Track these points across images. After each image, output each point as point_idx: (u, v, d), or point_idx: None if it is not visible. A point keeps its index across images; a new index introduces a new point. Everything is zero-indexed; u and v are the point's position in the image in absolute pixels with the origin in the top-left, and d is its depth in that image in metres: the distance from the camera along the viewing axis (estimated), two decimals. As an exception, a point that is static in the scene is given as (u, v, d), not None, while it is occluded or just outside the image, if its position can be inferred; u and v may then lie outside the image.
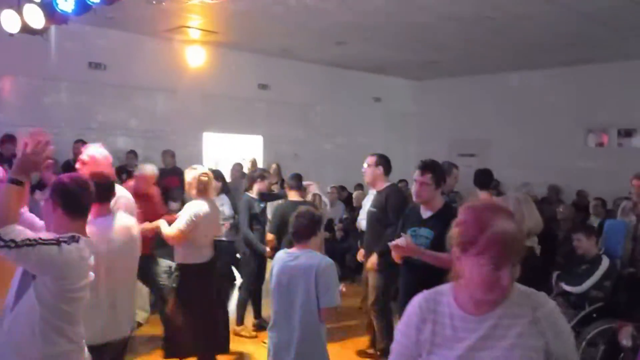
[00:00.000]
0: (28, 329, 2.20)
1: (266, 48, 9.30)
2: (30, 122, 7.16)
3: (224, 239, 5.86)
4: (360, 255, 5.09)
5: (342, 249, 7.91)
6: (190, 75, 8.95)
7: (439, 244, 3.15)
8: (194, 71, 8.96)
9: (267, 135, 10.33)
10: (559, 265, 5.67)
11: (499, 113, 11.16)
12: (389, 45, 8.93)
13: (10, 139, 6.59)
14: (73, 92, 8.03)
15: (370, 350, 5.08)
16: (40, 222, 2.65)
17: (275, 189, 8.34)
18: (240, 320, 5.69)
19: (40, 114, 7.51)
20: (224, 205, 6.03)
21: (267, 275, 5.32)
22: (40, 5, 4.71)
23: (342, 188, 9.56)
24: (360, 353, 5.13)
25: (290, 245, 3.37)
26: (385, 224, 4.52)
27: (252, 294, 5.82)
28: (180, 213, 4.40)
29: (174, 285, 4.44)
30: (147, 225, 4.37)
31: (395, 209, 4.43)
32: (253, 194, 5.76)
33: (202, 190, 4.39)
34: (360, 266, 5.23)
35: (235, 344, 5.35)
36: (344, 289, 3.28)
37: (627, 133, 10.07)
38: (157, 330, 4.91)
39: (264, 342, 4.45)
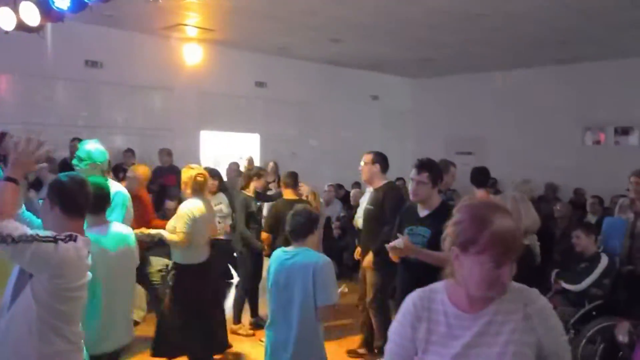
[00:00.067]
0: (25, 328, 2.18)
1: (263, 46, 9.29)
2: (26, 120, 7.16)
3: (221, 237, 5.85)
4: (358, 253, 5.09)
5: (339, 247, 7.91)
6: (188, 73, 8.94)
7: (436, 242, 3.11)
8: (191, 69, 8.94)
9: (264, 134, 10.32)
10: (556, 263, 5.68)
11: (496, 111, 11.17)
12: (386, 43, 8.92)
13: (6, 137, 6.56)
14: (69, 90, 8.01)
15: (362, 350, 5.07)
16: (37, 221, 2.63)
17: (273, 187, 8.34)
18: (237, 319, 5.69)
19: (36, 112, 7.48)
20: (222, 204, 6.02)
21: (264, 274, 5.35)
22: (36, 2, 4.68)
23: (340, 186, 9.56)
24: (351, 352, 5.10)
25: (286, 244, 3.37)
26: (382, 221, 4.51)
27: (249, 293, 5.82)
28: (175, 216, 4.39)
29: (170, 284, 4.44)
30: (145, 230, 4.37)
31: (392, 206, 4.43)
32: (249, 192, 5.75)
33: (197, 190, 4.39)
34: (357, 264, 5.23)
35: (232, 343, 5.36)
36: (345, 290, 3.28)
37: (624, 131, 10.10)
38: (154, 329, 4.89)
39: (261, 341, 4.45)
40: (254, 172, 5.90)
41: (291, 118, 10.62)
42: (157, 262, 6.05)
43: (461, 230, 1.56)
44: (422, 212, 3.58)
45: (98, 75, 8.11)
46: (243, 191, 5.78)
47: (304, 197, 5.74)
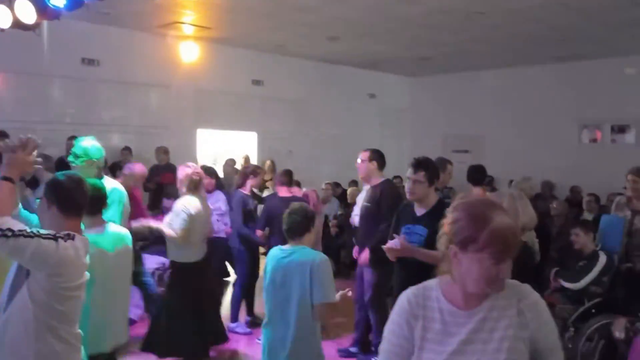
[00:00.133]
0: (21, 328, 2.16)
1: (260, 44, 9.28)
2: (22, 118, 7.14)
3: (221, 235, 5.85)
4: (356, 252, 5.09)
5: (336, 246, 7.92)
6: (184, 71, 8.92)
7: (433, 241, 3.11)
8: (188, 67, 8.92)
9: (261, 132, 10.31)
10: (553, 261, 5.70)
11: (493, 109, 11.19)
12: (383, 41, 8.92)
13: (3, 135, 6.54)
14: (66, 88, 7.98)
15: (354, 349, 5.06)
16: (35, 220, 2.61)
17: (270, 185, 8.34)
18: (234, 317, 5.68)
19: (33, 110, 7.45)
20: (220, 202, 6.03)
21: (260, 272, 5.35)
22: (32, 0, 4.66)
23: (337, 184, 9.56)
24: (342, 351, 5.08)
25: (282, 242, 3.37)
26: (379, 219, 4.51)
27: (246, 291, 5.81)
28: (171, 213, 4.39)
29: (167, 282, 4.44)
30: (145, 223, 4.38)
31: (389, 204, 4.43)
32: (246, 190, 5.75)
33: (193, 189, 4.40)
34: (355, 262, 5.23)
35: (229, 342, 5.36)
36: (349, 293, 3.27)
37: (620, 129, 10.12)
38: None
39: (258, 339, 4.45)
40: (250, 170, 5.89)
41: (288, 116, 10.61)
42: (154, 261, 6.08)
43: (460, 228, 1.57)
44: (419, 211, 3.59)
45: (95, 73, 8.08)
46: (240, 189, 5.78)
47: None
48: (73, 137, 6.72)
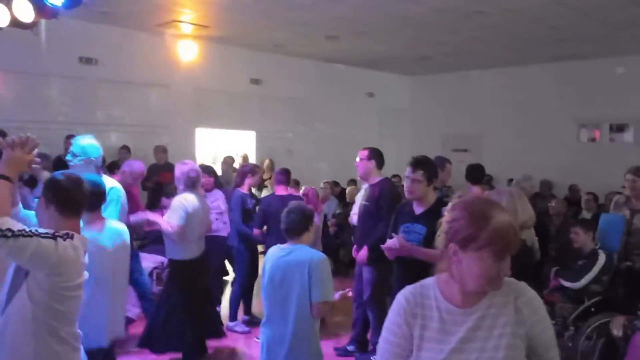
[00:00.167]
0: (21, 328, 2.15)
1: (258, 43, 9.27)
2: (20, 117, 7.12)
3: (221, 234, 5.85)
4: (355, 251, 5.09)
5: (335, 244, 7.91)
6: (183, 70, 8.91)
7: (432, 239, 3.13)
8: (186, 66, 8.91)
9: (260, 131, 10.31)
10: (552, 259, 5.71)
11: (492, 108, 11.20)
12: (382, 41, 8.91)
13: (1, 134, 6.53)
14: (64, 87, 7.96)
15: (351, 347, 5.06)
16: (34, 220, 2.60)
17: (269, 184, 8.34)
18: (233, 316, 5.68)
19: (31, 109, 7.44)
20: (218, 200, 6.02)
21: (259, 271, 5.34)
22: (30, -1, 4.65)
23: (335, 183, 9.56)
24: (339, 350, 5.09)
25: (280, 240, 3.37)
26: (378, 217, 4.51)
27: (245, 290, 5.81)
28: (169, 210, 4.40)
29: (165, 279, 4.46)
30: (143, 215, 4.39)
31: (388, 203, 4.43)
32: (244, 189, 5.75)
33: (190, 186, 4.40)
34: (353, 261, 5.24)
35: (227, 340, 5.36)
36: (349, 294, 3.28)
37: (619, 128, 10.14)
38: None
39: (257, 338, 4.45)
40: (248, 169, 5.89)
41: (287, 115, 10.60)
42: (153, 259, 6.07)
43: (460, 227, 1.57)
44: (418, 210, 3.59)
45: (93, 72, 8.07)
46: (238, 189, 5.77)
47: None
48: (71, 136, 6.72)
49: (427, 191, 3.57)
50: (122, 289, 3.33)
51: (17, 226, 2.07)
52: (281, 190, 5.58)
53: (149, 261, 6.03)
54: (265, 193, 8.46)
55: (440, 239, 1.64)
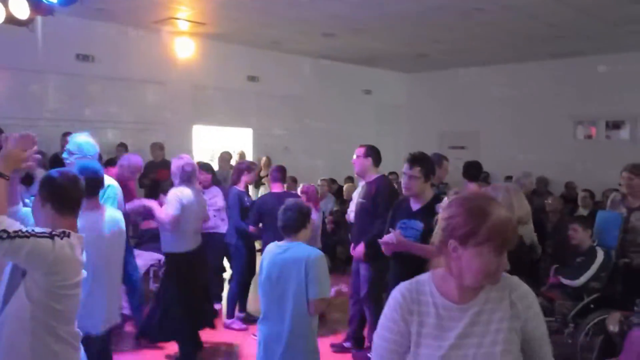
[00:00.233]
0: (19, 329, 2.13)
1: (255, 40, 9.25)
2: (17, 115, 7.11)
3: (219, 231, 5.85)
4: (353, 248, 5.09)
5: (332, 241, 7.92)
6: (179, 67, 8.89)
7: (429, 236, 3.15)
8: (183, 63, 8.90)
9: (257, 128, 10.30)
10: (548, 256, 5.72)
11: (488, 106, 11.21)
12: (379, 38, 8.91)
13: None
14: (61, 84, 7.94)
15: (347, 344, 5.07)
16: (32, 220, 2.59)
17: (266, 181, 8.33)
18: (230, 313, 5.69)
19: (27, 106, 7.42)
20: (217, 197, 6.03)
21: (257, 269, 5.35)
22: (26, -5, 4.63)
23: (333, 181, 9.56)
24: (335, 346, 5.10)
25: (275, 238, 3.37)
26: (375, 215, 4.51)
27: (243, 288, 5.81)
28: (166, 199, 4.42)
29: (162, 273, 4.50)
30: (139, 202, 4.41)
31: (385, 200, 4.43)
32: (241, 186, 5.75)
33: (186, 180, 4.43)
34: (351, 258, 5.24)
35: (225, 337, 5.36)
36: (344, 289, 3.29)
37: (615, 125, 10.17)
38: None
39: (254, 335, 4.46)
40: (244, 166, 5.89)
41: (284, 112, 10.59)
42: (150, 257, 6.06)
43: (459, 223, 1.57)
44: (415, 206, 3.59)
45: (89, 69, 8.05)
46: (235, 186, 5.77)
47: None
48: (68, 134, 6.71)
49: (424, 187, 3.57)
50: (117, 276, 3.37)
51: (13, 226, 2.06)
52: (277, 188, 5.58)
53: (146, 259, 6.02)
54: (262, 190, 8.47)
55: (437, 235, 1.64)
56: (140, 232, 6.35)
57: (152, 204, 4.47)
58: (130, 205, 4.40)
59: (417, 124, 12.47)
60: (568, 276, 4.62)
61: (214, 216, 5.86)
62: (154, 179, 7.67)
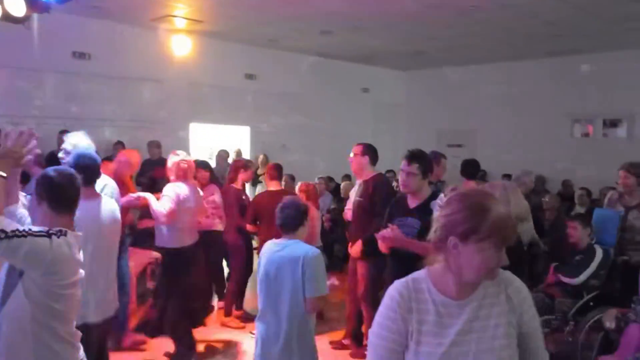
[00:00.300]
0: (18, 329, 2.12)
1: (252, 38, 9.24)
2: (13, 113, 7.08)
3: (218, 228, 5.84)
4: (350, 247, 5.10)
5: (330, 240, 7.91)
6: (176, 65, 8.87)
7: (426, 233, 3.14)
8: (180, 61, 8.88)
9: (254, 126, 10.29)
10: (545, 254, 5.73)
11: (485, 104, 11.22)
12: (377, 36, 8.90)
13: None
14: (57, 82, 7.91)
15: (346, 341, 5.09)
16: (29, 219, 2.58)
17: (263, 179, 8.33)
18: (228, 312, 5.68)
19: (23, 104, 7.40)
20: (214, 195, 6.02)
21: (254, 267, 5.35)
22: (22, -8, 4.61)
23: (330, 179, 9.56)
24: (335, 343, 5.12)
25: (270, 235, 3.37)
26: (372, 213, 4.51)
27: (241, 286, 5.81)
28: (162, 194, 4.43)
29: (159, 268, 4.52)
30: (133, 195, 4.42)
31: (383, 198, 4.43)
32: (238, 185, 5.75)
33: (181, 176, 4.45)
34: (348, 256, 5.25)
35: (222, 335, 5.36)
36: (336, 282, 3.29)
37: (612, 123, 10.18)
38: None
39: (252, 333, 4.46)
40: (241, 164, 5.89)
41: (281, 110, 10.58)
42: (148, 255, 6.04)
43: (460, 220, 1.57)
44: (412, 204, 3.59)
45: (86, 67, 8.03)
46: (232, 185, 5.77)
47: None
48: (64, 132, 6.69)
49: (422, 185, 3.57)
50: (112, 264, 3.40)
51: (11, 226, 2.04)
52: (274, 186, 5.58)
53: (143, 257, 6.01)
54: (259, 188, 8.46)
55: (436, 232, 1.62)
56: (137, 230, 6.33)
57: (148, 196, 4.47)
58: (125, 199, 4.39)
59: (414, 122, 12.47)
60: (567, 274, 4.63)
61: (212, 214, 5.86)
62: (151, 177, 7.65)
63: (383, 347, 1.63)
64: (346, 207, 5.68)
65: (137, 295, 5.65)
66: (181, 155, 4.55)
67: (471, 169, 5.53)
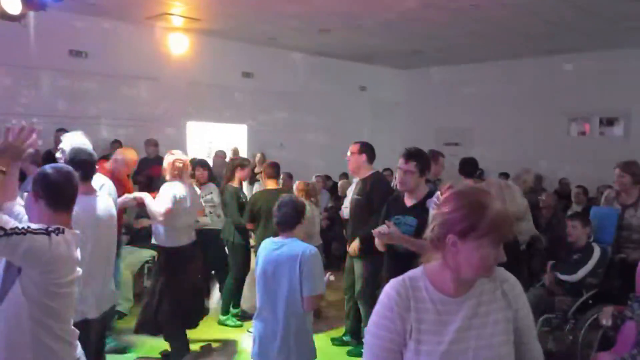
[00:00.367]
0: (16, 327, 2.11)
1: (250, 36, 9.22)
2: (10, 111, 7.05)
3: (216, 227, 5.84)
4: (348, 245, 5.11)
5: (327, 238, 7.91)
6: (173, 64, 8.85)
7: (423, 232, 3.14)
8: (177, 59, 8.86)
9: (251, 125, 10.27)
10: (541, 251, 5.75)
11: (483, 102, 11.22)
12: (375, 34, 8.89)
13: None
14: (53, 80, 7.89)
15: (347, 338, 5.11)
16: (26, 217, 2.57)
17: (260, 178, 8.32)
18: (225, 310, 5.68)
19: (20, 102, 7.37)
20: (212, 193, 6.03)
21: (252, 265, 5.36)
22: (18, -10, 4.59)
23: (327, 177, 9.56)
24: (335, 340, 5.16)
25: (268, 234, 3.37)
26: (370, 211, 4.51)
27: (239, 284, 5.81)
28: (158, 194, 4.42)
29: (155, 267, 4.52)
30: (130, 196, 4.42)
31: (380, 196, 4.42)
32: (235, 183, 5.74)
33: (176, 176, 4.46)
34: (345, 255, 5.26)
35: (220, 333, 5.36)
36: (332, 278, 3.29)
37: (609, 122, 10.20)
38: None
39: (249, 331, 4.46)
40: (237, 163, 5.88)
41: (279, 109, 10.57)
42: (145, 254, 6.04)
43: (458, 218, 1.57)
44: (409, 202, 3.59)
45: (83, 65, 8.00)
46: (230, 183, 5.76)
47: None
48: (61, 130, 6.68)
49: (419, 183, 3.57)
50: (110, 260, 3.41)
51: (9, 223, 2.03)
52: (271, 184, 5.59)
53: (141, 255, 6.01)
54: (256, 187, 8.45)
55: (434, 230, 1.62)
56: (134, 230, 6.33)
57: (144, 196, 4.47)
58: (121, 200, 4.39)
59: (412, 120, 12.47)
60: (564, 272, 4.64)
61: (210, 212, 5.86)
62: (148, 175, 7.64)
63: (379, 346, 1.62)
64: (343, 206, 5.69)
65: (134, 294, 5.66)
66: (177, 154, 4.54)
67: (469, 167, 5.54)
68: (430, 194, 3.57)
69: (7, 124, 2.32)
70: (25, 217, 2.42)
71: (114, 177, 4.55)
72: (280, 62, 10.34)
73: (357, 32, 8.72)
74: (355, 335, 5.05)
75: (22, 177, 4.70)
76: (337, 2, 7.03)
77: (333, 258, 7.58)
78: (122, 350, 4.78)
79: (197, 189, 4.98)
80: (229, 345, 5.15)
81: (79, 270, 2.30)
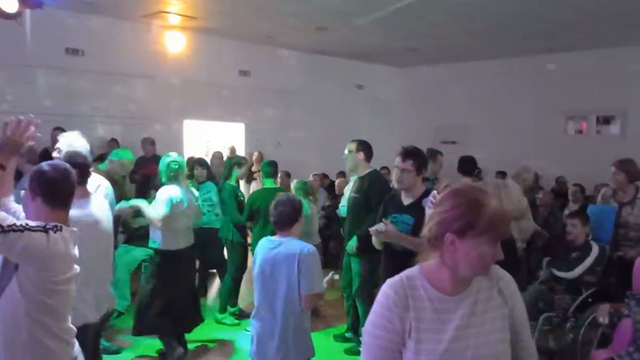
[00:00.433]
0: (13, 325, 2.10)
1: (247, 34, 9.20)
2: (6, 109, 7.02)
3: (214, 226, 5.83)
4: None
5: (325, 237, 7.92)
6: (170, 62, 8.83)
7: (420, 230, 3.15)
8: (174, 57, 8.84)
9: (248, 123, 10.26)
10: (539, 250, 5.76)
11: (480, 100, 11.22)
12: (372, 33, 8.89)
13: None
14: (50, 78, 7.86)
15: (348, 334, 5.12)
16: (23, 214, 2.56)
17: (258, 177, 8.31)
18: (223, 309, 5.68)
19: (16, 101, 7.34)
20: (211, 192, 6.02)
21: (249, 264, 5.35)
22: (14, -12, 4.57)
23: (325, 176, 9.56)
24: (338, 337, 5.18)
25: (265, 232, 3.37)
26: (367, 209, 4.52)
27: (237, 283, 5.81)
28: (154, 202, 4.41)
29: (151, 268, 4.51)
30: (126, 206, 4.41)
31: (378, 194, 4.43)
32: (232, 181, 5.74)
33: (172, 178, 4.43)
34: (343, 253, 5.26)
35: (218, 332, 5.36)
36: (336, 277, 3.29)
37: (606, 120, 10.22)
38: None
39: (247, 330, 4.46)
40: (234, 161, 5.88)
41: (276, 107, 10.55)
42: (143, 252, 6.03)
43: (456, 216, 1.57)
44: (406, 200, 3.59)
45: (79, 63, 7.98)
46: (227, 182, 5.76)
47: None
48: (58, 129, 6.66)
49: (416, 181, 3.57)
50: (106, 264, 3.40)
51: (7, 220, 2.02)
52: (269, 183, 5.59)
53: (140, 253, 5.99)
54: (254, 185, 8.45)
55: (432, 229, 1.61)
56: (132, 228, 6.31)
57: (140, 203, 4.45)
58: (118, 207, 4.39)
59: (409, 118, 12.46)
60: (561, 269, 4.65)
61: (208, 211, 5.85)
62: (145, 174, 7.63)
63: (378, 346, 1.61)
64: (340, 204, 5.69)
65: (130, 293, 5.64)
66: (172, 156, 4.52)
67: (468, 165, 5.54)
68: (427, 193, 3.58)
69: (6, 119, 2.30)
70: (23, 214, 2.41)
71: (110, 178, 4.52)
72: (277, 60, 10.32)
73: (354, 30, 8.71)
74: (357, 331, 5.06)
75: (19, 175, 4.69)
76: (334, 0, 7.01)
77: (330, 256, 7.59)
78: (115, 351, 4.77)
79: (194, 190, 4.95)
80: (226, 344, 5.14)
81: (77, 267, 2.28)
